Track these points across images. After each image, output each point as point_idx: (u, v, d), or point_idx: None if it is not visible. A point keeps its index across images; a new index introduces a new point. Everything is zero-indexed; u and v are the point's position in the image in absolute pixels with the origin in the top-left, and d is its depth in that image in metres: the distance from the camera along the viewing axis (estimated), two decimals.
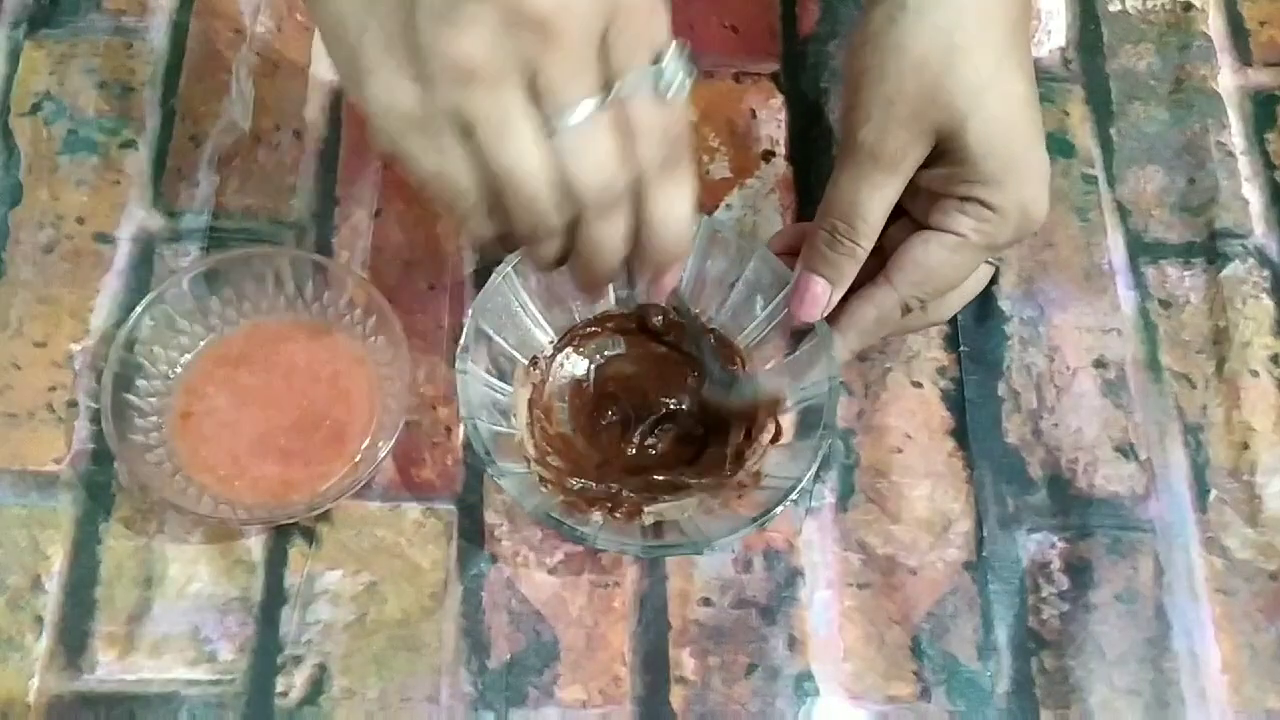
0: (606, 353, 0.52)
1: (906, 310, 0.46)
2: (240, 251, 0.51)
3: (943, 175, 0.44)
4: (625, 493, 0.48)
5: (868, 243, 0.44)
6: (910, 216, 0.46)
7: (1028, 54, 0.45)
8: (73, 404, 0.50)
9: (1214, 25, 0.60)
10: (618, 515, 0.47)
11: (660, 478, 0.49)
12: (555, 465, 0.49)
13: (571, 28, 0.32)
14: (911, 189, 0.44)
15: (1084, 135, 0.57)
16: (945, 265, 0.45)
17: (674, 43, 0.34)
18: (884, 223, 0.44)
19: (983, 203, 0.44)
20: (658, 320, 0.51)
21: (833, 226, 0.44)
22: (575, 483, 0.48)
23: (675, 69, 0.34)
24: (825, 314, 0.46)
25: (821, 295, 0.45)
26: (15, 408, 0.50)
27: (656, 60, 0.34)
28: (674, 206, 0.36)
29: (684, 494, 0.48)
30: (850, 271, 0.45)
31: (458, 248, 0.54)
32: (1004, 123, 0.43)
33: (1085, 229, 0.55)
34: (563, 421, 0.51)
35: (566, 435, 0.50)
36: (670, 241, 0.37)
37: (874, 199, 0.44)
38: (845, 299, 0.46)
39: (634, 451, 0.50)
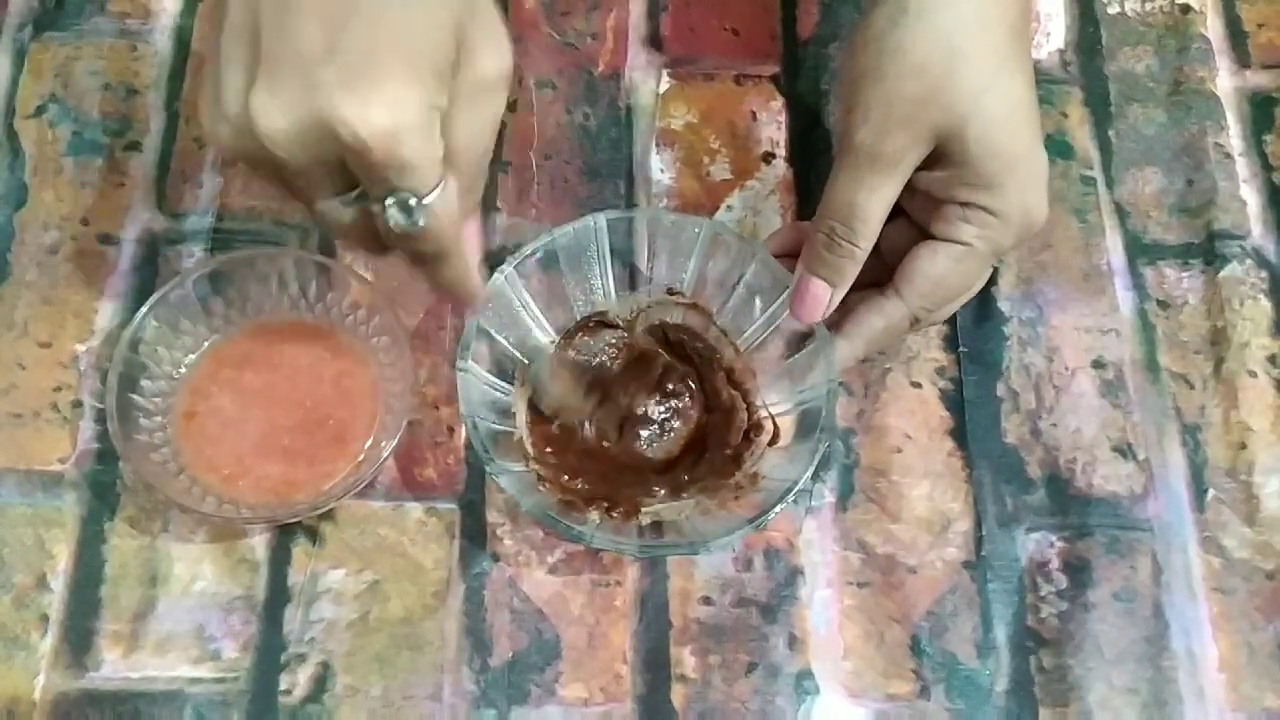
0: (606, 354, 0.52)
1: (915, 321, 0.46)
2: (244, 252, 0.51)
3: (942, 178, 0.44)
4: (623, 493, 0.48)
5: (867, 244, 0.44)
6: (908, 217, 0.46)
7: (1028, 56, 0.45)
8: (78, 404, 0.51)
9: (1212, 27, 0.60)
10: (615, 515, 0.47)
11: (658, 478, 0.49)
12: (554, 464, 0.49)
13: (377, 150, 0.33)
14: (909, 190, 0.44)
15: (1083, 137, 0.57)
16: (952, 275, 0.45)
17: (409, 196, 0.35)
18: (883, 224, 0.45)
19: (984, 209, 0.44)
20: (659, 322, 0.52)
21: (831, 228, 0.45)
22: (573, 482, 0.49)
23: (401, 212, 0.35)
24: (826, 315, 0.46)
25: (822, 297, 0.45)
26: (21, 408, 0.51)
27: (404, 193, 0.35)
28: (441, 284, 0.40)
29: (681, 495, 0.48)
30: (850, 273, 0.45)
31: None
32: (1004, 125, 0.43)
33: (1084, 230, 0.56)
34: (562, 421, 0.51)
35: (565, 435, 0.50)
36: (454, 297, 0.41)
37: (873, 200, 0.44)
38: (852, 305, 0.46)
39: (632, 452, 0.50)
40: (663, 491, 0.49)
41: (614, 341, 0.52)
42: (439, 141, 0.35)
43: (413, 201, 0.35)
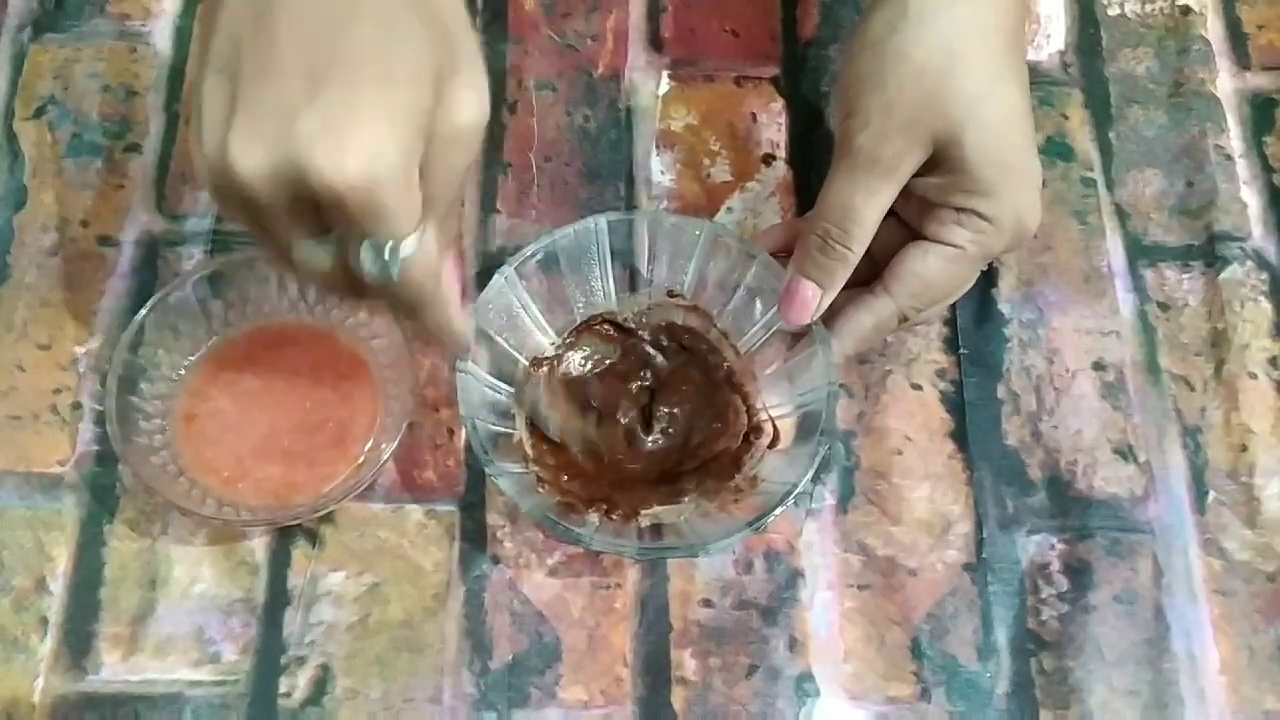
0: (607, 355, 0.52)
1: (903, 319, 0.46)
2: (244, 254, 0.51)
3: (937, 184, 0.44)
4: (623, 495, 0.48)
5: (860, 247, 0.45)
6: (900, 219, 0.46)
7: (1023, 63, 0.45)
8: (77, 406, 0.51)
9: (1212, 29, 0.60)
10: (615, 517, 0.47)
11: (658, 480, 0.49)
12: (553, 466, 0.49)
13: (354, 198, 0.33)
14: (903, 193, 0.44)
15: (1083, 139, 0.57)
16: (943, 276, 0.46)
17: (386, 242, 0.35)
18: (876, 227, 0.45)
19: (979, 214, 0.44)
20: (665, 323, 0.52)
21: (825, 231, 0.45)
22: (573, 484, 0.48)
23: (377, 260, 0.35)
24: (815, 318, 0.46)
25: (811, 300, 0.46)
26: (20, 410, 0.51)
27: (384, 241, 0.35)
28: (423, 331, 0.40)
29: (681, 497, 0.48)
30: (842, 276, 0.45)
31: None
32: (1000, 132, 0.43)
33: (1084, 232, 0.55)
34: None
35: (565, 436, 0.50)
36: (438, 343, 0.42)
37: (869, 204, 0.44)
38: (841, 304, 0.47)
39: (633, 454, 0.50)
40: (663, 494, 0.48)
41: (610, 347, 0.52)
42: (417, 190, 0.34)
43: (388, 250, 0.34)
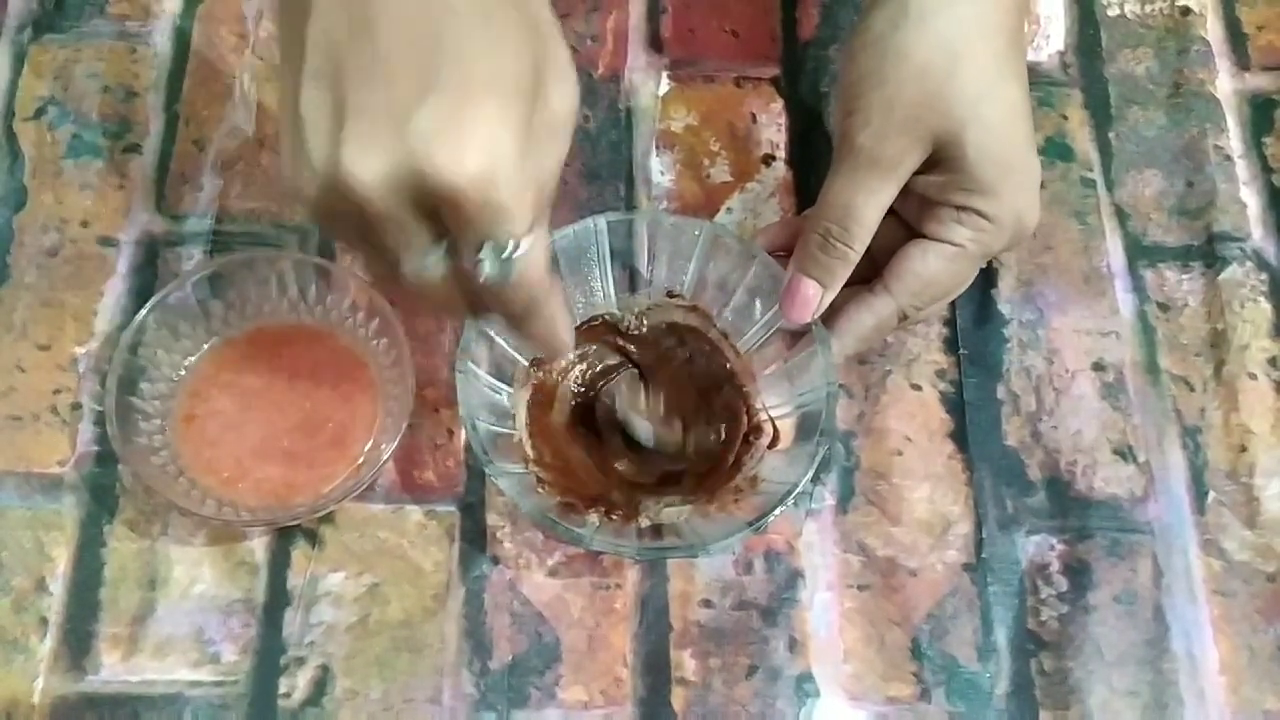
0: (607, 356, 0.52)
1: (903, 318, 0.46)
2: (243, 255, 0.51)
3: (938, 182, 0.44)
4: (622, 495, 0.48)
5: (861, 246, 0.45)
6: (900, 217, 0.46)
7: (1023, 63, 0.45)
8: (77, 407, 0.51)
9: (1212, 30, 0.60)
10: (614, 517, 0.47)
11: (657, 480, 0.49)
12: (553, 466, 0.49)
13: (473, 197, 0.32)
14: (903, 192, 0.45)
15: (1083, 139, 0.57)
16: (943, 274, 0.46)
17: (507, 241, 0.34)
18: (877, 226, 0.45)
19: (979, 212, 0.44)
20: (667, 324, 0.52)
21: (826, 229, 0.45)
22: (573, 484, 0.48)
23: (495, 261, 0.34)
24: (816, 316, 0.46)
25: (813, 298, 0.46)
26: (20, 410, 0.51)
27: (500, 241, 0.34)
28: (533, 336, 0.39)
29: (681, 497, 0.48)
30: (842, 275, 0.45)
31: None
32: (1000, 131, 0.43)
33: (1084, 232, 0.55)
34: (562, 423, 0.51)
35: (566, 436, 0.50)
36: (545, 348, 0.41)
37: (870, 203, 0.44)
38: (841, 302, 0.47)
39: (632, 454, 0.50)
40: (663, 494, 0.48)
41: (615, 345, 0.52)
42: (531, 185, 0.34)
43: (508, 250, 0.33)
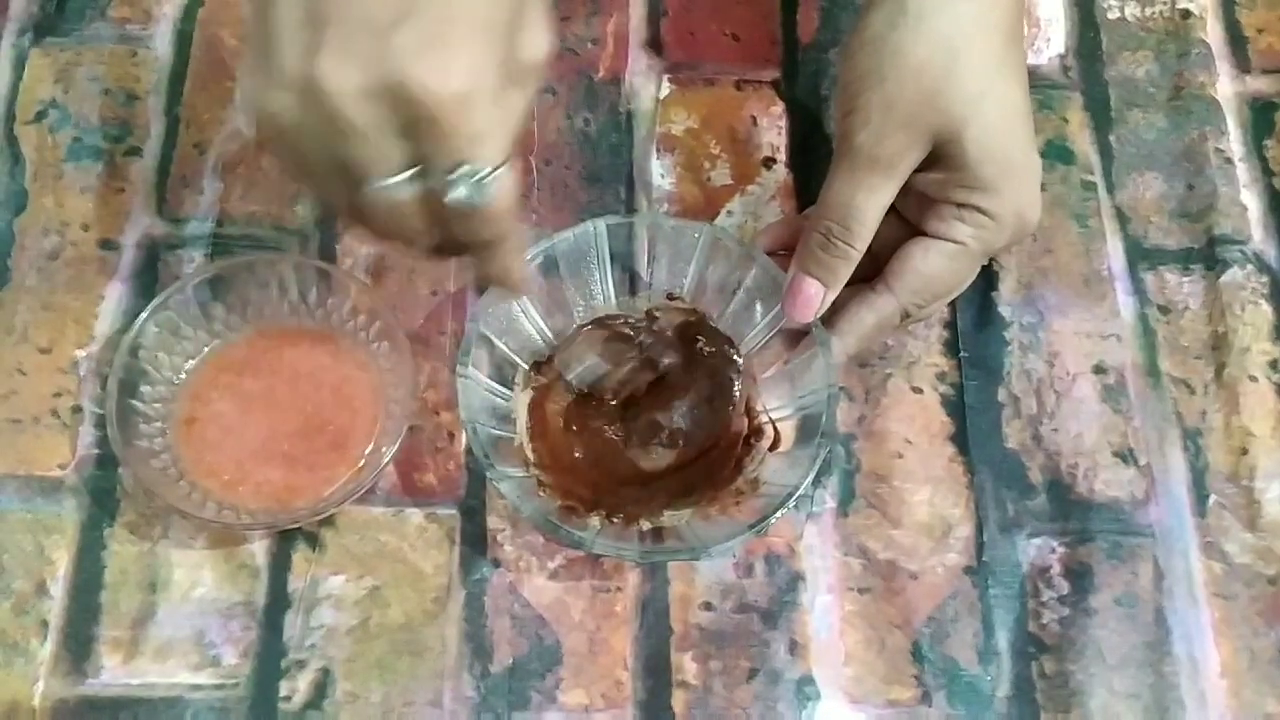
0: (606, 357, 0.52)
1: (905, 316, 0.47)
2: (244, 258, 0.51)
3: (938, 180, 0.44)
4: (623, 498, 0.48)
5: (862, 244, 0.45)
6: (901, 215, 0.46)
7: (1022, 61, 0.45)
8: (77, 409, 0.51)
9: (1212, 32, 0.60)
10: (615, 521, 0.47)
11: (658, 483, 0.49)
12: (554, 469, 0.49)
13: (453, 116, 0.32)
14: (904, 190, 0.45)
15: (1083, 142, 0.57)
16: (945, 272, 0.46)
17: (482, 166, 0.34)
18: (878, 224, 0.45)
19: (980, 210, 0.44)
20: (680, 323, 0.51)
21: (827, 229, 0.45)
22: (574, 487, 0.48)
23: (468, 183, 0.34)
24: (818, 315, 0.46)
25: (815, 297, 0.46)
26: (20, 413, 0.51)
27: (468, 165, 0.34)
28: (492, 270, 0.39)
29: (682, 500, 0.48)
30: (844, 273, 0.45)
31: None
32: (1000, 128, 0.43)
33: (1084, 235, 0.55)
34: (563, 426, 0.51)
35: (566, 440, 0.50)
36: (503, 284, 0.40)
37: (870, 202, 0.44)
38: (842, 301, 0.47)
39: (634, 457, 0.50)
40: (663, 497, 0.48)
41: (631, 351, 0.52)
42: (509, 111, 0.34)
43: (481, 175, 0.34)
